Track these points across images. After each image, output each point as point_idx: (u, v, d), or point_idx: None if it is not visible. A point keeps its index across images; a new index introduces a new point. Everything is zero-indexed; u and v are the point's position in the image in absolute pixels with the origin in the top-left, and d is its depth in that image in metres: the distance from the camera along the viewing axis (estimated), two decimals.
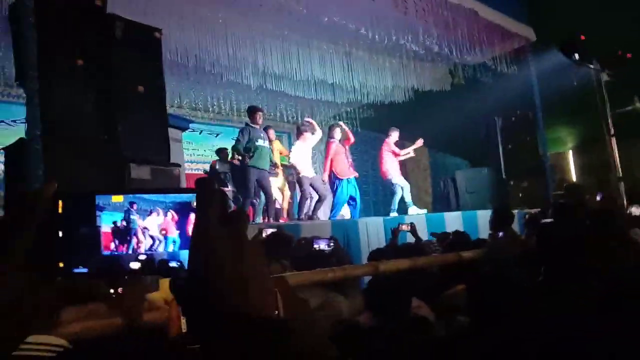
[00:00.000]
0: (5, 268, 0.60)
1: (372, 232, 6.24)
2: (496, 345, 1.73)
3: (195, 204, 0.58)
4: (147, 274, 0.77)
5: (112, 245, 0.74)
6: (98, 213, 0.71)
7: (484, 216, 6.45)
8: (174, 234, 0.76)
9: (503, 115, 10.14)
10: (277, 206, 8.10)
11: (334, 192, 7.61)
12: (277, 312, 0.70)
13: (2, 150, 5.13)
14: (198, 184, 0.58)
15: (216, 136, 12.07)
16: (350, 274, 2.52)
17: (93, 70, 4.32)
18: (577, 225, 4.21)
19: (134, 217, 0.75)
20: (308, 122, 7.82)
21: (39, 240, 0.62)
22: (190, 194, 0.73)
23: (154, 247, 0.76)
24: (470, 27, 8.18)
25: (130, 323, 1.25)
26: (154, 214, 0.76)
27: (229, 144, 9.07)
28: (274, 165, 7.66)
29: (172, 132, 5.62)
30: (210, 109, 10.83)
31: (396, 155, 8.43)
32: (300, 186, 7.30)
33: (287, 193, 8.72)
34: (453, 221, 7.11)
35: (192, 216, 0.75)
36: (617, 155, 5.92)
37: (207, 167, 9.98)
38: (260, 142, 6.78)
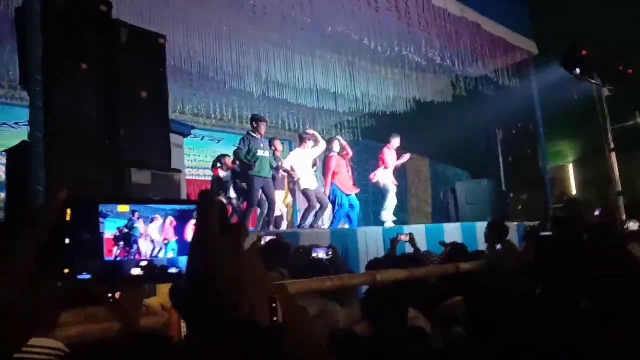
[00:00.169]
0: (6, 268, 0.61)
1: (371, 241, 6.24)
2: (494, 357, 1.73)
3: (195, 214, 0.60)
4: (148, 281, 0.79)
5: (114, 251, 0.75)
6: (101, 220, 0.73)
7: (483, 228, 6.42)
8: (172, 240, 0.78)
9: (504, 128, 10.17)
10: (278, 213, 8.11)
11: (335, 204, 7.60)
12: (276, 318, 0.71)
13: (4, 152, 5.15)
14: (200, 197, 0.60)
15: (217, 142, 12.10)
16: (348, 283, 2.52)
17: (97, 75, 4.34)
18: (576, 238, 4.22)
19: (137, 224, 0.77)
20: (311, 133, 7.83)
21: (46, 245, 0.64)
22: (191, 205, 0.75)
23: (154, 253, 0.78)
24: (473, 39, 8.23)
25: (128, 327, 1.26)
26: (155, 221, 0.78)
27: (230, 151, 9.09)
28: (276, 170, 7.67)
29: (174, 138, 5.64)
30: (213, 115, 10.87)
31: (385, 166, 8.33)
32: (307, 198, 7.30)
33: (290, 201, 8.73)
34: (452, 232, 7.11)
35: (191, 222, 0.77)
36: (616, 169, 5.94)
37: (208, 172, 10.01)
38: (260, 152, 6.82)
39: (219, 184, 8.45)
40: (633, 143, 7.98)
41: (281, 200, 8.24)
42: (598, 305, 1.79)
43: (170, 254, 0.78)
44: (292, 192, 8.64)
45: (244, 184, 7.25)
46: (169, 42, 5.32)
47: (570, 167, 13.02)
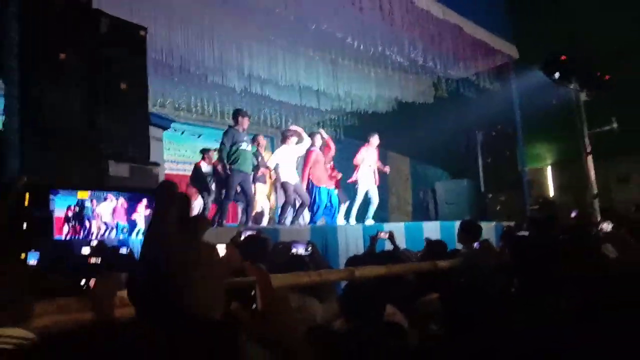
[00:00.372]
0: None
1: (351, 238, 6.26)
2: (468, 355, 1.74)
3: (154, 204, 0.58)
4: (106, 268, 0.77)
5: (65, 230, 0.73)
6: (52, 197, 0.70)
7: None
8: (124, 221, 0.77)
9: (484, 130, 10.32)
10: (259, 210, 8.06)
11: (312, 199, 7.61)
12: (255, 306, 0.71)
13: None
14: (160, 187, 0.58)
15: (198, 137, 12.00)
16: (326, 279, 2.52)
17: (76, 65, 4.27)
18: (551, 239, 4.29)
19: (88, 203, 0.75)
20: (295, 130, 7.81)
21: (4, 231, 0.62)
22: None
23: (106, 233, 0.76)
24: (455, 42, 8.30)
25: (101, 317, 1.24)
26: (108, 201, 0.76)
27: (211, 145, 9.02)
28: (257, 169, 7.62)
29: (154, 131, 5.58)
30: (194, 110, 10.77)
31: (356, 165, 8.31)
32: (285, 191, 7.28)
33: (273, 198, 8.68)
34: (431, 231, 7.16)
35: (142, 204, 0.75)
36: (593, 173, 6.05)
37: (188, 167, 9.90)
38: (243, 146, 6.76)
39: (198, 175, 8.37)
40: (609, 148, 8.14)
41: (265, 194, 8.19)
42: (572, 305, 1.82)
43: (121, 236, 0.76)
44: (276, 189, 8.60)
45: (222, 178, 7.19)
46: (150, 35, 5.25)
47: (549, 170, 13.24)
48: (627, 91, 7.77)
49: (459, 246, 4.44)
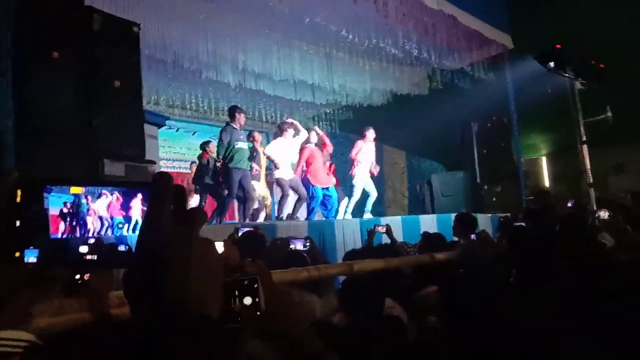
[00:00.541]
0: None
1: (348, 233, 6.26)
2: (467, 346, 1.75)
3: (149, 196, 0.56)
4: (103, 265, 0.75)
5: (61, 228, 0.71)
6: (45, 195, 0.68)
7: None
8: (119, 216, 0.75)
9: (479, 121, 10.30)
10: (257, 206, 8.04)
11: (309, 197, 7.56)
12: (258, 300, 0.70)
13: None
14: (155, 178, 0.57)
15: (193, 134, 11.96)
16: (325, 274, 2.52)
17: (69, 63, 4.25)
18: (547, 229, 4.30)
19: (84, 200, 0.73)
20: (291, 122, 7.77)
21: None
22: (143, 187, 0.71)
23: (103, 230, 0.74)
24: (449, 32, 8.29)
25: (101, 317, 1.23)
26: (103, 197, 0.74)
27: (208, 140, 8.97)
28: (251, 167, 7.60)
29: (149, 129, 5.56)
30: (188, 107, 10.71)
31: (353, 158, 8.31)
32: (281, 187, 7.28)
33: (268, 194, 8.66)
34: (428, 224, 7.18)
35: (137, 198, 0.73)
36: (588, 162, 6.07)
37: (183, 164, 9.87)
38: (239, 144, 6.76)
39: (203, 169, 8.27)
40: (604, 137, 8.16)
41: (261, 191, 8.16)
42: (570, 295, 1.82)
43: (118, 232, 0.74)
44: (270, 185, 8.59)
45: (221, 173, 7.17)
46: (143, 31, 5.22)
47: (544, 160, 13.28)
48: (622, 80, 7.78)
49: (456, 238, 4.45)
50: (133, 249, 0.70)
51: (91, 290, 1.29)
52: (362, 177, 8.17)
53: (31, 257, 0.70)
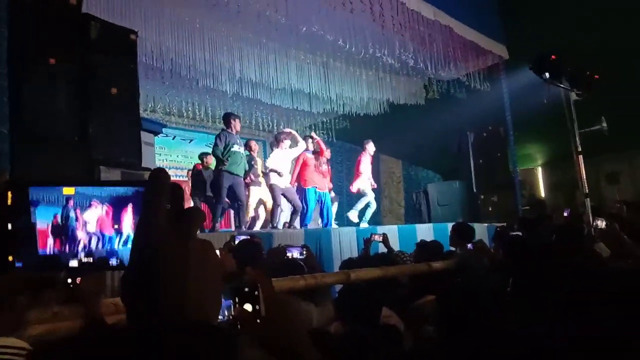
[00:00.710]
0: None
1: (345, 242, 6.25)
2: (465, 356, 1.74)
3: (144, 194, 0.54)
4: (92, 259, 0.73)
5: (50, 243, 0.68)
6: (32, 209, 0.65)
7: None
8: (110, 230, 0.72)
9: (475, 131, 10.34)
10: (253, 214, 8.01)
11: (303, 202, 7.56)
12: (258, 307, 0.70)
13: None
14: (151, 176, 0.55)
15: (190, 142, 11.96)
16: (322, 282, 2.51)
17: (66, 70, 4.24)
18: (543, 238, 4.31)
19: (72, 213, 0.69)
20: (289, 132, 7.77)
21: None
22: (136, 187, 0.69)
23: (92, 244, 0.71)
24: (445, 43, 8.35)
25: (94, 322, 1.22)
26: (93, 208, 0.71)
27: (203, 150, 8.98)
28: (249, 174, 7.57)
29: (145, 136, 5.55)
30: (185, 114, 10.72)
31: (359, 172, 8.41)
32: (272, 194, 7.25)
33: (269, 202, 8.63)
34: (425, 233, 7.17)
35: (128, 209, 0.71)
36: (584, 172, 6.08)
37: (180, 172, 9.85)
38: (235, 148, 6.70)
39: (196, 179, 8.31)
40: (599, 147, 8.20)
41: (260, 199, 8.11)
42: (567, 304, 1.82)
43: (109, 246, 0.71)
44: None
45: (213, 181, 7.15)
46: (140, 38, 5.23)
47: (540, 170, 13.33)
48: (616, 90, 7.84)
49: (453, 248, 4.44)
50: (125, 263, 0.68)
51: (83, 293, 1.28)
52: (367, 189, 8.32)
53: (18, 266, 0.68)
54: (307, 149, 7.73)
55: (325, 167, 8.02)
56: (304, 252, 3.61)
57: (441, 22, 7.82)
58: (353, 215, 8.17)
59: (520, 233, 5.05)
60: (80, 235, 0.72)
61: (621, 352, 1.35)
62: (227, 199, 6.92)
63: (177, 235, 0.52)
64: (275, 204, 7.18)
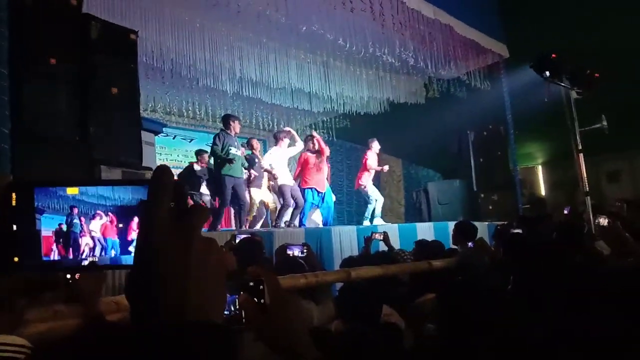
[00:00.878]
0: None
1: (345, 240, 6.26)
2: (465, 353, 1.75)
3: (147, 191, 0.54)
4: (99, 269, 0.73)
5: (54, 251, 0.68)
6: (37, 216, 0.66)
7: None
8: (114, 238, 0.71)
9: (475, 129, 10.33)
10: (255, 214, 8.02)
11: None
12: (263, 301, 0.70)
13: None
14: (155, 173, 0.54)
15: (190, 141, 11.97)
16: (323, 280, 2.52)
17: (66, 70, 4.24)
18: (543, 236, 4.32)
19: (76, 221, 0.69)
20: (287, 131, 7.79)
21: None
22: (138, 188, 0.68)
23: (96, 251, 0.71)
24: (446, 41, 8.35)
25: (93, 319, 1.23)
26: (97, 218, 0.71)
27: (205, 148, 8.97)
28: (249, 169, 7.57)
29: (146, 136, 5.56)
30: (185, 114, 10.73)
31: (369, 168, 8.46)
32: (283, 195, 7.26)
33: (271, 200, 8.63)
34: (425, 232, 7.18)
35: (135, 221, 0.70)
36: (584, 170, 6.08)
37: (180, 172, 9.84)
38: (233, 151, 6.71)
39: (189, 175, 8.29)
40: (599, 145, 8.20)
41: (261, 199, 8.12)
42: (567, 301, 1.82)
43: (112, 253, 0.71)
44: (274, 191, 8.55)
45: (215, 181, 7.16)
46: (140, 38, 5.23)
47: (540, 168, 13.33)
48: (616, 89, 7.84)
49: (455, 246, 4.45)
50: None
51: (82, 292, 1.28)
52: (371, 186, 8.44)
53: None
54: (307, 149, 7.74)
55: (325, 166, 8.03)
56: (305, 251, 3.62)
57: (441, 21, 7.82)
58: (367, 223, 8.23)
59: (520, 230, 5.05)
60: (84, 242, 0.72)
61: (621, 351, 1.36)
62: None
63: (181, 233, 0.52)
64: (286, 205, 7.18)
